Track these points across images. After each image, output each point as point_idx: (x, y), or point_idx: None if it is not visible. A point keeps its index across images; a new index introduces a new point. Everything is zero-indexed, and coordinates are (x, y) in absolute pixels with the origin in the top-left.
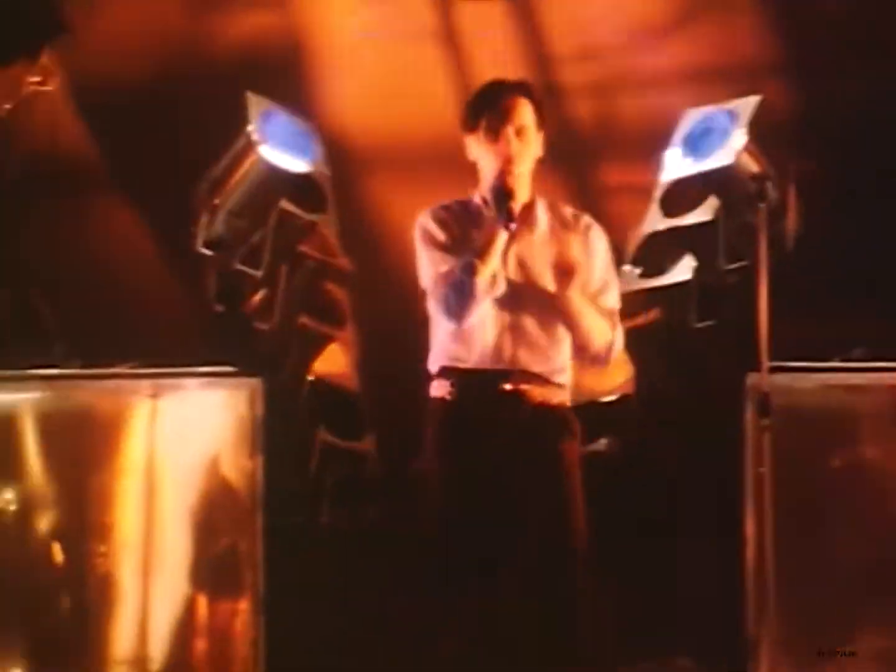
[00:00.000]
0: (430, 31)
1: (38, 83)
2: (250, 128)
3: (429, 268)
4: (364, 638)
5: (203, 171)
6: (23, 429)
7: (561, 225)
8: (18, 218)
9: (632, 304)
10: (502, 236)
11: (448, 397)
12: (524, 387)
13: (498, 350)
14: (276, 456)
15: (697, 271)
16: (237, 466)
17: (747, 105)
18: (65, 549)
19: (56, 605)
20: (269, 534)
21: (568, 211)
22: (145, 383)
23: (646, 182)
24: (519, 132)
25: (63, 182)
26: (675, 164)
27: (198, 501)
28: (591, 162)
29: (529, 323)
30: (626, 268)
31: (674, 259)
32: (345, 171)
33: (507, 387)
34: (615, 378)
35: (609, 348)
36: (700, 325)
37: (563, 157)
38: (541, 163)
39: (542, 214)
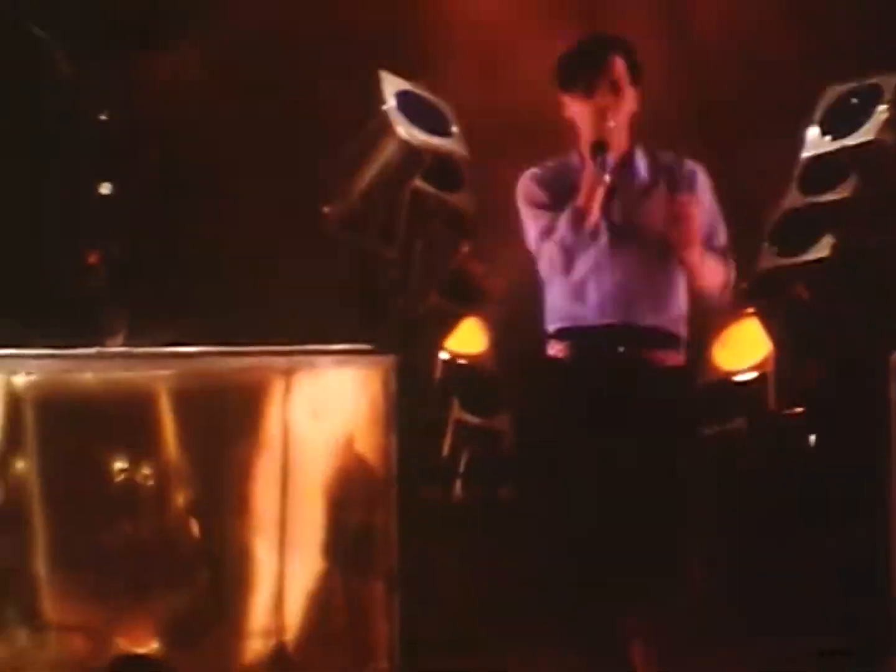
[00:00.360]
0: (567, 10)
1: (177, 70)
2: (385, 107)
3: (533, 226)
4: (496, 611)
5: (338, 150)
6: (160, 406)
7: (664, 171)
8: (160, 196)
9: (771, 281)
10: (600, 188)
11: (564, 358)
12: (638, 345)
13: (611, 303)
14: (410, 433)
15: (837, 248)
16: (371, 443)
17: (889, 80)
18: (202, 524)
19: (194, 579)
20: (403, 510)
21: (669, 157)
22: (280, 361)
23: (786, 159)
24: (613, 87)
25: (202, 169)
26: (815, 142)
27: (332, 477)
28: (732, 139)
29: (640, 273)
30: (765, 245)
31: (813, 236)
32: (484, 149)
33: (621, 348)
34: (752, 356)
35: (725, 287)
36: (840, 302)
37: (704, 133)
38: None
39: (641, 163)
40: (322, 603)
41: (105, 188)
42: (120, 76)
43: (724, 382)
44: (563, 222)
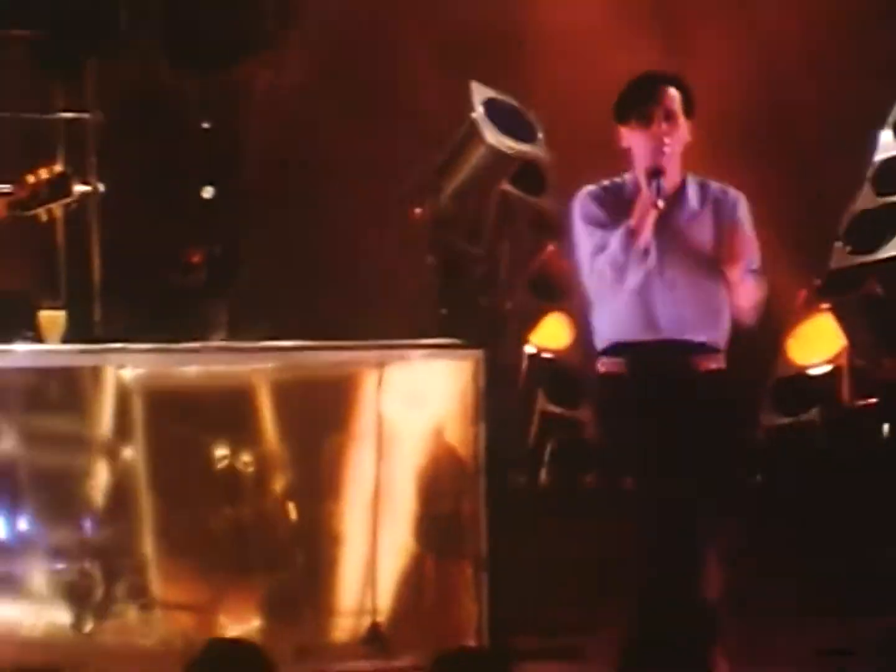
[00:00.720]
0: (648, 22)
1: (276, 78)
2: (474, 114)
3: (586, 243)
4: (578, 592)
5: (430, 154)
6: (259, 396)
7: (711, 198)
8: (258, 199)
9: (844, 278)
10: (653, 211)
11: (618, 371)
12: (689, 357)
13: (661, 320)
14: (498, 423)
15: None
16: (460, 433)
17: None
18: (299, 508)
19: (291, 560)
20: (491, 496)
21: (716, 186)
22: (373, 354)
23: (859, 163)
24: (668, 117)
25: (299, 172)
26: (888, 144)
27: (423, 465)
28: (809, 146)
29: (688, 291)
30: (838, 244)
31: (885, 235)
32: (568, 154)
33: (674, 358)
34: (826, 350)
35: (756, 307)
36: None
37: (780, 137)
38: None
39: (692, 191)
40: (413, 584)
41: (208, 192)
42: (222, 86)
43: (799, 376)
44: (616, 240)
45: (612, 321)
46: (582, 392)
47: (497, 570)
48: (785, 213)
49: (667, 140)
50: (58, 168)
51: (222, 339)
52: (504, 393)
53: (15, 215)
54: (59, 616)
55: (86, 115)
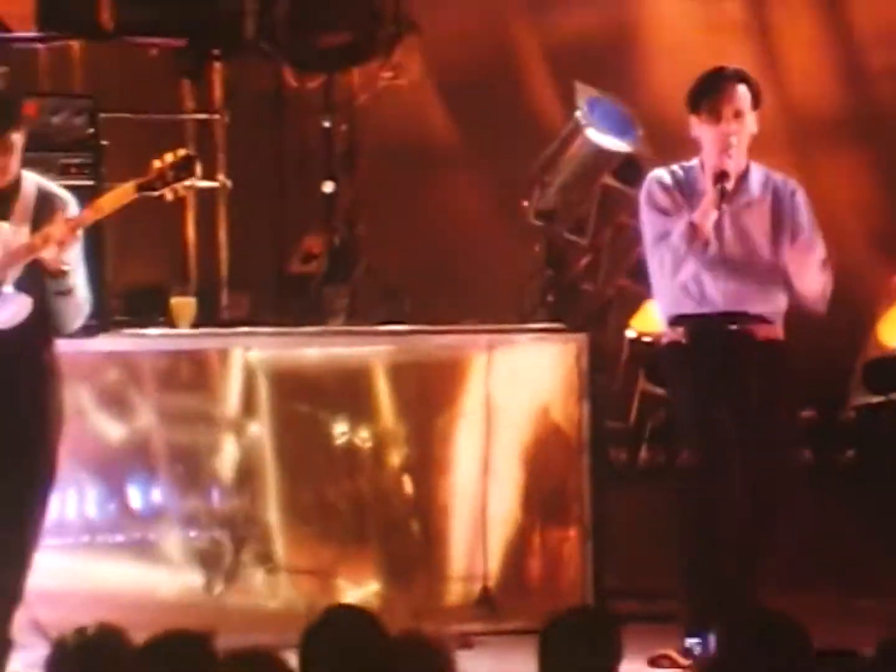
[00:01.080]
0: (742, 25)
1: (392, 78)
2: (578, 113)
3: (650, 230)
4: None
5: (537, 150)
6: (376, 377)
7: (772, 187)
8: (375, 192)
9: None
10: (715, 212)
11: (682, 341)
12: (748, 326)
13: (718, 295)
14: (601, 403)
15: None
16: (565, 412)
17: None
18: (413, 481)
19: (406, 529)
20: (594, 471)
21: (777, 176)
22: (482, 338)
23: None
24: (737, 114)
25: (414, 167)
26: None
27: (530, 442)
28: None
29: (743, 272)
30: None
31: None
32: (667, 149)
33: (733, 326)
34: None
35: (825, 296)
36: None
37: (865, 135)
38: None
39: (755, 178)
40: (521, 552)
41: (328, 186)
42: (341, 87)
43: (890, 357)
44: (678, 233)
45: (672, 297)
46: None
47: (600, 539)
48: (877, 202)
49: (733, 139)
50: (182, 151)
51: (341, 324)
52: (607, 374)
53: (144, 197)
54: (192, 580)
55: (214, 116)
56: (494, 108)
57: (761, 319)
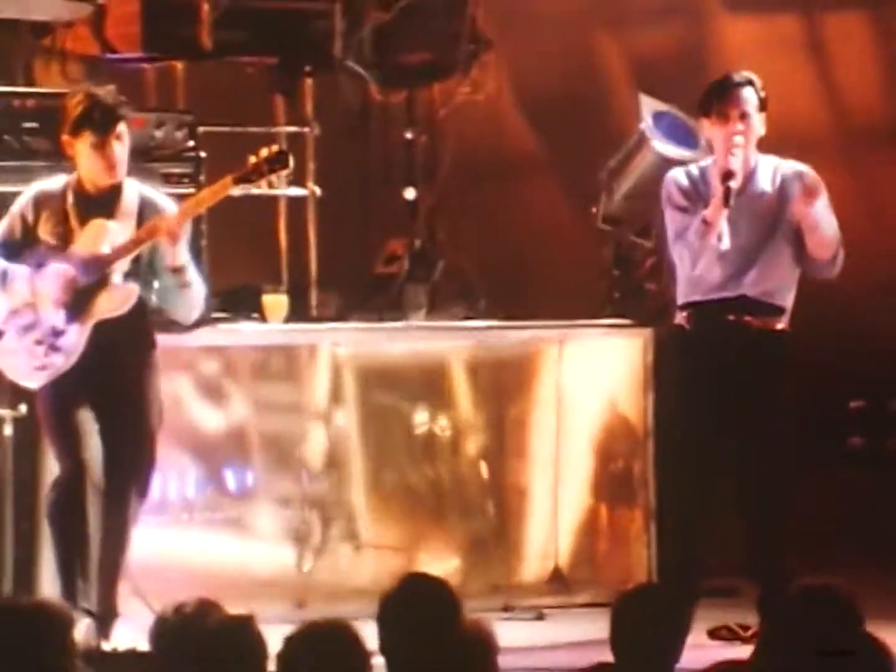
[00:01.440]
0: (798, 42)
1: (469, 93)
2: (643, 124)
3: (670, 227)
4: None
5: (606, 159)
6: (454, 370)
7: (780, 178)
8: (454, 198)
9: None
10: (725, 211)
11: (685, 325)
12: (746, 315)
13: (727, 281)
14: (665, 394)
15: None
16: (631, 402)
17: None
18: (489, 466)
19: (483, 511)
20: (659, 456)
21: (788, 166)
22: (554, 333)
23: None
24: (743, 117)
25: (490, 175)
26: None
27: (598, 430)
28: None
29: (751, 252)
30: None
31: None
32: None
33: (731, 316)
34: None
35: (833, 259)
36: None
37: None
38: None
39: (763, 176)
40: (590, 532)
41: (410, 193)
42: (423, 101)
43: None
44: (693, 229)
45: (687, 284)
46: None
47: (664, 520)
48: None
49: (739, 139)
50: (275, 147)
51: (422, 320)
52: (670, 368)
53: (242, 190)
54: (283, 556)
55: (305, 129)
56: (568, 120)
57: (765, 307)
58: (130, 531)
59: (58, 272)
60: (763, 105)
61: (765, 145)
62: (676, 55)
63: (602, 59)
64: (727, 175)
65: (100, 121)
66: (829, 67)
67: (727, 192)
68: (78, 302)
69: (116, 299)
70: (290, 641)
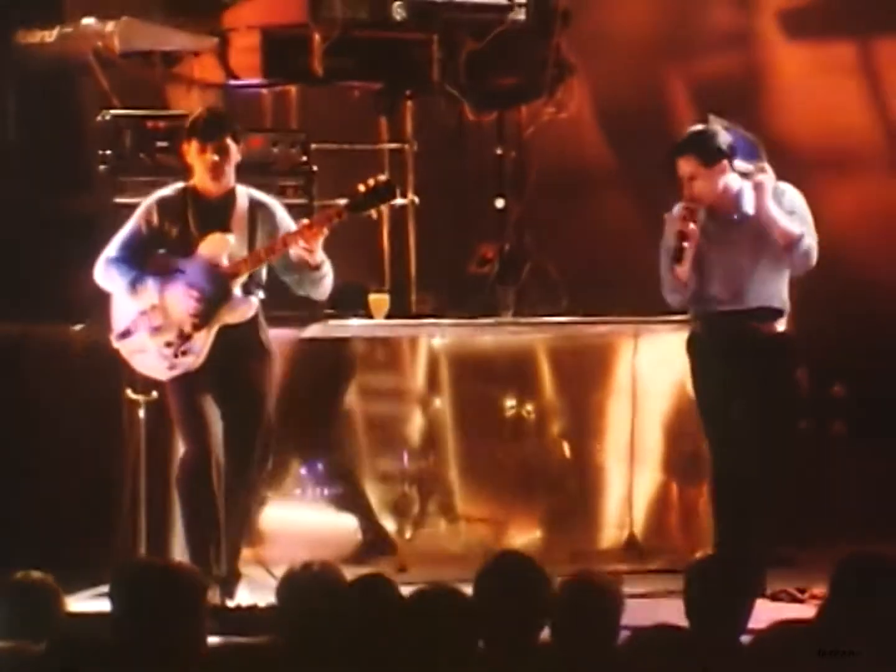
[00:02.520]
0: (853, 66)
1: (554, 113)
2: None
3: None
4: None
5: (676, 172)
6: (540, 360)
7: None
8: (539, 207)
9: None
10: (691, 241)
11: (696, 331)
12: (753, 322)
13: (730, 294)
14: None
15: None
16: None
17: None
18: (571, 446)
19: (565, 486)
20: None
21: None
22: (629, 327)
23: None
24: (691, 178)
25: (572, 187)
26: None
27: (670, 413)
28: None
29: (740, 269)
30: None
31: None
32: (786, 172)
33: (739, 321)
34: None
35: (793, 246)
36: None
37: None
38: None
39: (747, 194)
40: (662, 505)
41: (499, 202)
42: (511, 120)
43: None
44: (668, 254)
45: (696, 300)
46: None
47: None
48: None
49: (696, 185)
50: (382, 177)
51: (510, 316)
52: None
53: (352, 216)
54: (386, 527)
55: (405, 146)
56: (640, 136)
57: (756, 313)
58: (251, 504)
59: (187, 284)
60: (712, 159)
61: (820, 166)
62: (739, 77)
63: (670, 81)
64: (687, 212)
65: (205, 131)
66: (882, 91)
67: (691, 217)
68: (204, 311)
69: (238, 311)
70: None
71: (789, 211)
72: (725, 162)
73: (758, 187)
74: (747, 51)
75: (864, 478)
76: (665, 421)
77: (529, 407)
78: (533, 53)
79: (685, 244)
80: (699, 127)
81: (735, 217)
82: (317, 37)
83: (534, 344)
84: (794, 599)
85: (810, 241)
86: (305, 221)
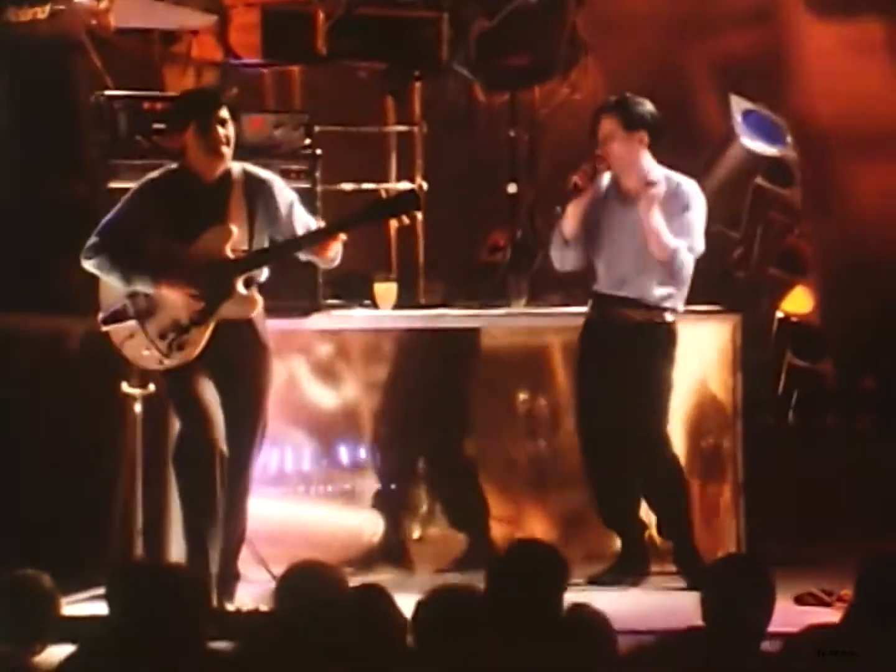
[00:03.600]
0: (880, 45)
1: (569, 94)
2: (732, 122)
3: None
4: (818, 510)
5: (697, 153)
6: (553, 352)
7: (668, 190)
8: (553, 192)
9: None
10: (582, 192)
11: (587, 313)
12: (628, 310)
13: (615, 281)
14: (753, 374)
15: None
16: (721, 383)
17: None
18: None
19: (580, 484)
20: (747, 434)
21: (675, 179)
22: None
23: None
24: (604, 141)
25: None
26: None
27: (690, 408)
28: None
29: (635, 260)
30: None
31: None
32: (812, 154)
33: (617, 308)
34: None
35: (673, 261)
36: None
37: None
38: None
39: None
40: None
41: (512, 188)
42: (524, 102)
43: None
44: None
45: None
46: (823, 349)
47: (752, 493)
48: None
49: (612, 146)
50: (406, 186)
51: (523, 306)
52: (758, 349)
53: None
54: (392, 525)
55: (413, 128)
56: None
57: (628, 301)
58: (248, 498)
59: (187, 277)
60: (632, 124)
61: (847, 146)
62: (762, 57)
63: (690, 60)
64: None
65: (203, 107)
66: None
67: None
68: (205, 308)
69: (241, 307)
70: (422, 606)
71: (683, 207)
72: (645, 133)
73: (645, 200)
74: (771, 28)
75: (892, 474)
76: (686, 416)
77: (543, 401)
78: (547, 32)
79: (572, 199)
80: (629, 94)
81: (635, 201)
82: (320, 14)
83: (547, 335)
84: (821, 602)
85: (684, 258)
86: (322, 225)
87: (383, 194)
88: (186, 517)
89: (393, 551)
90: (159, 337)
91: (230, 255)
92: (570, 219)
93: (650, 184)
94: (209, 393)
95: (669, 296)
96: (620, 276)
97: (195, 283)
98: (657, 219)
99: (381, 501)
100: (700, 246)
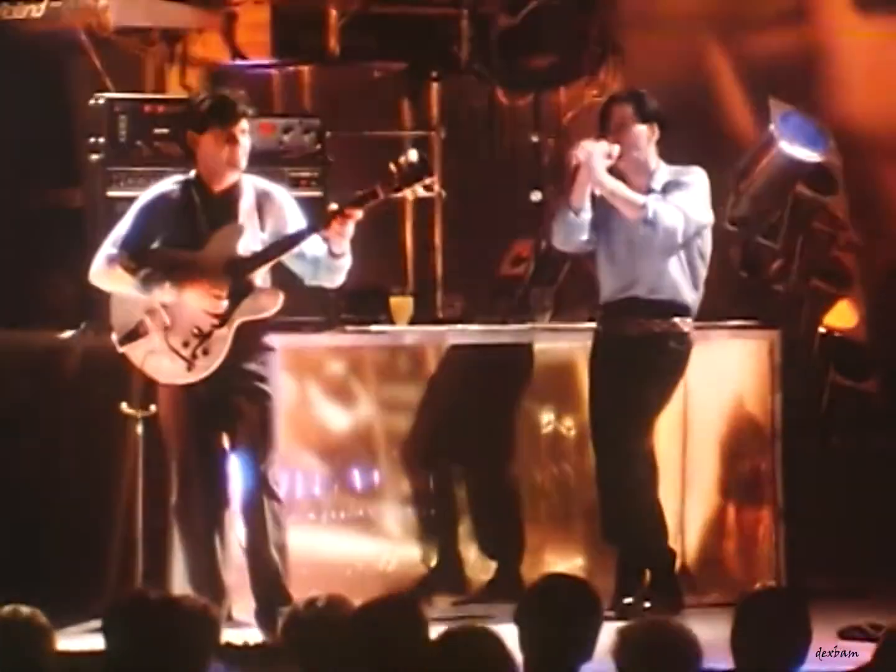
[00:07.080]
0: None
1: (596, 95)
2: (771, 126)
3: None
4: (865, 537)
5: (729, 159)
6: (579, 370)
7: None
8: None
9: None
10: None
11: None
12: (638, 316)
13: (619, 285)
14: (793, 393)
15: None
16: (759, 402)
17: None
18: None
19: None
20: (787, 456)
21: (672, 170)
22: None
23: None
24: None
25: None
26: None
27: (726, 430)
28: None
29: (638, 264)
30: None
31: None
32: (855, 160)
33: (625, 316)
34: None
35: (654, 217)
36: None
37: None
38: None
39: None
40: (717, 531)
41: (535, 196)
42: (548, 103)
43: None
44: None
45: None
46: (868, 366)
47: (792, 519)
48: None
49: (623, 132)
50: (414, 154)
51: (547, 322)
52: (798, 367)
53: (389, 198)
54: (409, 553)
55: (431, 133)
56: (691, 122)
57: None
58: (271, 526)
59: (205, 280)
60: (645, 117)
61: (888, 150)
62: (797, 56)
63: (723, 61)
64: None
65: (225, 116)
66: None
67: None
68: (226, 308)
69: (262, 303)
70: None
71: (677, 186)
72: (657, 127)
73: (584, 168)
74: (808, 26)
75: None
76: (721, 438)
77: (569, 423)
78: (572, 30)
79: (576, 174)
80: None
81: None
82: (333, 12)
83: (573, 352)
84: (867, 637)
85: (658, 208)
86: (334, 206)
87: (392, 168)
88: (188, 559)
89: (409, 580)
90: (183, 346)
91: (244, 253)
92: (578, 189)
93: (579, 162)
94: (216, 443)
95: (677, 286)
96: (626, 277)
97: (214, 284)
98: (609, 180)
99: (398, 527)
100: (700, 217)
